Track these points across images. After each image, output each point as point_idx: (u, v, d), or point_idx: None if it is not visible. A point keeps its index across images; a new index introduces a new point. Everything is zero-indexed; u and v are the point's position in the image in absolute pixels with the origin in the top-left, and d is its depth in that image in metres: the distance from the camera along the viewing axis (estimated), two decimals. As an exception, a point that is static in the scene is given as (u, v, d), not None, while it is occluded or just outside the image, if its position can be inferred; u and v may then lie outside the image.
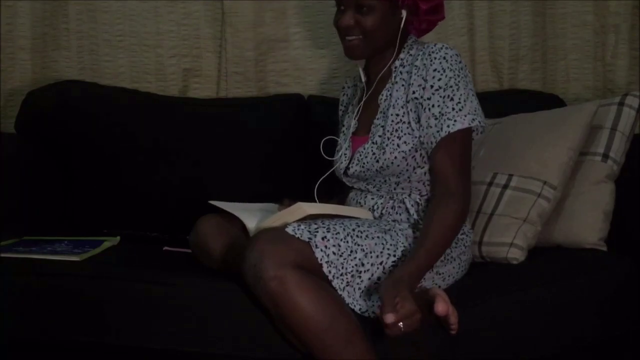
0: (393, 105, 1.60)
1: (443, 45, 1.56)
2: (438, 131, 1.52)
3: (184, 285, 1.49)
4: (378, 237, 1.46)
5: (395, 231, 1.50)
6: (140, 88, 2.35)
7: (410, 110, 1.57)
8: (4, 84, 2.35)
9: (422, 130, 1.55)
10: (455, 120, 1.51)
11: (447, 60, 1.54)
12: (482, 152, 1.83)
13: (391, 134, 1.57)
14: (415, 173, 1.58)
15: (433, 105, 1.53)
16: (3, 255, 1.62)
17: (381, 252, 1.45)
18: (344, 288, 1.39)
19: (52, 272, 1.53)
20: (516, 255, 1.67)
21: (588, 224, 1.74)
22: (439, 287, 1.53)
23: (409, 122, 1.57)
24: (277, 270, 1.30)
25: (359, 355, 1.33)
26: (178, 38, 2.35)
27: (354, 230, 1.44)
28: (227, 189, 2.06)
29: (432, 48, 1.56)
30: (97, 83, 2.31)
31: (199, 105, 2.27)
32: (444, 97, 1.52)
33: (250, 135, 2.17)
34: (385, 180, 1.61)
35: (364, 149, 1.62)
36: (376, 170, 1.59)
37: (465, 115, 1.52)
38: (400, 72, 1.62)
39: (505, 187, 1.76)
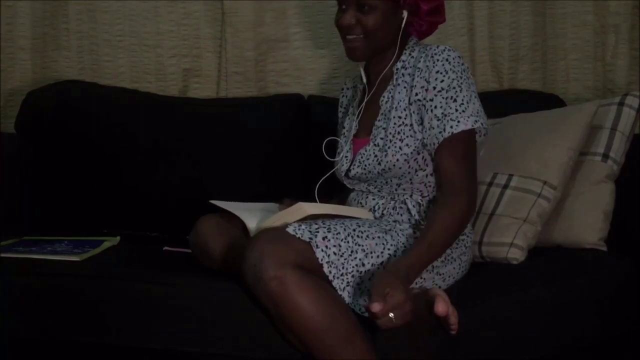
0: (395, 108, 1.60)
1: (446, 47, 1.56)
2: (441, 132, 1.52)
3: (184, 285, 1.49)
4: (379, 237, 1.46)
5: (396, 231, 1.50)
6: (140, 88, 2.35)
7: (413, 112, 1.57)
8: (4, 84, 2.35)
9: (425, 131, 1.55)
10: (458, 121, 1.51)
11: (449, 62, 1.54)
12: (482, 152, 1.83)
13: (393, 137, 1.57)
14: (417, 175, 1.58)
15: (435, 107, 1.53)
16: (3, 255, 1.62)
17: (382, 253, 1.45)
18: (344, 288, 1.39)
19: (52, 272, 1.53)
20: (516, 255, 1.67)
21: (588, 224, 1.74)
22: (439, 287, 1.53)
23: (411, 125, 1.57)
24: (277, 270, 1.30)
25: (359, 355, 1.33)
26: (178, 38, 2.35)
27: (354, 230, 1.44)
28: (227, 189, 2.06)
29: (434, 50, 1.56)
30: (97, 83, 2.31)
31: (199, 105, 2.27)
32: (447, 98, 1.52)
33: (250, 135, 2.17)
34: (386, 182, 1.61)
35: (366, 150, 1.62)
36: (378, 172, 1.59)
37: (469, 117, 1.52)
38: (402, 74, 1.62)
39: (505, 187, 1.76)
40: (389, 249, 1.46)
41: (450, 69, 1.54)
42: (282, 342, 1.42)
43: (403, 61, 1.63)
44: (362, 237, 1.44)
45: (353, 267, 1.40)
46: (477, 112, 1.54)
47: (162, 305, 1.47)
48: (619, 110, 1.81)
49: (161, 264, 1.71)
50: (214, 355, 1.46)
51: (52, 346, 1.51)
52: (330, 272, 1.38)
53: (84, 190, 2.15)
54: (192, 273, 1.57)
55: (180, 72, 2.37)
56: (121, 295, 1.48)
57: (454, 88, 1.53)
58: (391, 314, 1.26)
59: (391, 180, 1.60)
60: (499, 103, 2.05)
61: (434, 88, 1.54)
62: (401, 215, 1.59)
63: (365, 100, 1.69)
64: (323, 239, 1.39)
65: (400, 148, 1.56)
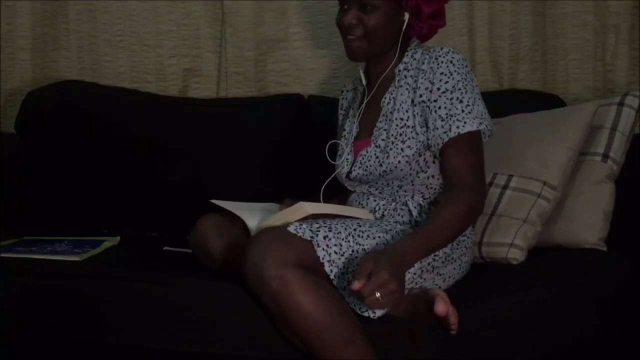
0: (397, 110, 1.60)
1: (449, 49, 1.56)
2: (446, 132, 1.52)
3: (184, 285, 1.49)
4: (379, 237, 1.46)
5: (396, 232, 1.50)
6: (140, 88, 2.35)
7: (417, 114, 1.57)
8: (4, 84, 2.35)
9: (429, 132, 1.55)
10: (465, 122, 1.51)
11: (454, 64, 1.54)
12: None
13: (395, 138, 1.57)
14: (419, 177, 1.58)
15: (439, 107, 1.53)
16: (3, 255, 1.62)
17: (382, 252, 1.45)
18: (345, 288, 1.39)
19: (52, 272, 1.53)
20: (516, 255, 1.67)
21: (588, 224, 1.74)
22: (439, 287, 1.53)
23: (413, 126, 1.57)
24: (279, 269, 1.30)
25: (359, 354, 1.33)
26: (178, 38, 2.35)
27: (355, 230, 1.44)
28: (227, 189, 2.06)
29: (438, 52, 1.57)
30: (97, 83, 2.31)
31: (199, 105, 2.27)
32: (452, 99, 1.52)
33: (250, 135, 2.17)
34: (387, 184, 1.61)
35: (367, 152, 1.62)
36: (379, 174, 1.59)
37: (474, 118, 1.52)
38: (405, 76, 1.62)
39: (505, 187, 1.76)
40: (389, 249, 1.46)
41: (455, 71, 1.54)
42: (282, 342, 1.42)
43: (405, 63, 1.63)
44: (362, 236, 1.44)
45: (354, 266, 1.40)
46: (482, 114, 1.54)
47: (162, 305, 1.47)
48: (619, 110, 1.81)
49: (161, 264, 1.71)
50: (214, 355, 1.46)
51: (52, 346, 1.51)
52: (331, 271, 1.38)
53: (84, 190, 2.15)
54: (192, 273, 1.57)
55: (180, 72, 2.37)
56: (121, 295, 1.48)
57: (459, 89, 1.53)
58: (377, 294, 1.26)
59: (392, 182, 1.60)
60: (499, 103, 2.05)
61: (438, 89, 1.54)
62: (402, 216, 1.59)
63: (365, 101, 1.69)
64: (324, 238, 1.39)
65: (402, 150, 1.56)
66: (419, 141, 1.56)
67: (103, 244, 1.81)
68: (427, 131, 1.56)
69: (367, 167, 1.61)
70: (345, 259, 1.40)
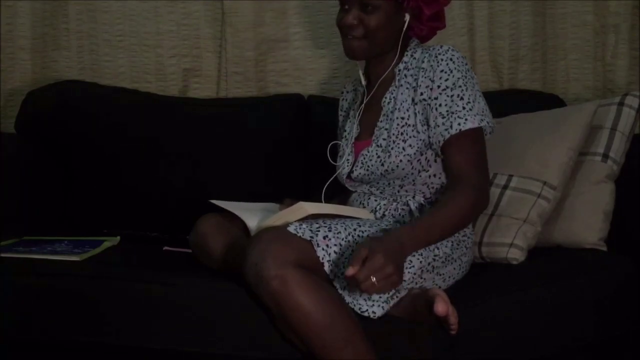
0: (398, 109, 1.60)
1: (449, 47, 1.57)
2: (447, 129, 1.52)
3: (184, 285, 1.49)
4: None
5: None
6: (140, 88, 2.35)
7: (418, 112, 1.57)
8: (4, 84, 2.35)
9: (430, 130, 1.55)
10: (466, 119, 1.51)
11: (454, 62, 1.54)
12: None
13: (397, 137, 1.57)
14: (420, 176, 1.58)
15: (440, 105, 1.53)
16: (3, 255, 1.62)
17: (382, 252, 1.44)
18: (344, 287, 1.39)
19: (52, 272, 1.53)
20: (516, 255, 1.67)
21: (588, 224, 1.74)
22: (439, 287, 1.53)
23: (414, 125, 1.57)
24: (279, 269, 1.30)
25: (359, 354, 1.33)
26: (178, 38, 2.35)
27: (355, 230, 1.44)
28: (227, 188, 2.06)
29: (438, 50, 1.57)
30: (97, 83, 2.31)
31: (199, 105, 2.27)
32: (452, 96, 1.52)
33: (250, 135, 2.17)
34: (389, 183, 1.61)
35: (368, 152, 1.62)
36: (381, 173, 1.59)
37: (475, 115, 1.52)
38: (405, 75, 1.62)
39: (505, 187, 1.76)
40: (389, 249, 1.45)
41: (455, 68, 1.54)
42: (282, 342, 1.42)
43: (405, 62, 1.63)
44: (362, 236, 1.44)
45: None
46: (483, 111, 1.54)
47: (162, 305, 1.47)
48: (618, 110, 1.81)
49: (161, 264, 1.71)
50: (214, 355, 1.46)
51: (52, 346, 1.51)
52: (331, 271, 1.38)
53: (84, 190, 2.15)
54: (192, 273, 1.57)
55: (180, 72, 2.37)
56: (121, 295, 1.48)
57: (460, 87, 1.53)
58: (373, 278, 1.26)
59: (394, 182, 1.60)
60: (499, 103, 2.05)
61: (439, 87, 1.54)
62: (403, 216, 1.59)
63: (365, 101, 1.69)
64: (324, 238, 1.39)
65: (403, 149, 1.56)
66: (420, 140, 1.56)
67: (103, 244, 1.81)
68: (428, 129, 1.56)
69: (368, 166, 1.61)
70: (345, 259, 1.39)
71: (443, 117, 1.52)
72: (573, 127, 1.77)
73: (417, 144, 1.56)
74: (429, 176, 1.59)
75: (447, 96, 1.53)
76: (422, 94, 1.57)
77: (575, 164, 1.77)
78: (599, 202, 1.76)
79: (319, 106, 2.23)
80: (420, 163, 1.57)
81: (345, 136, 1.75)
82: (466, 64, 1.56)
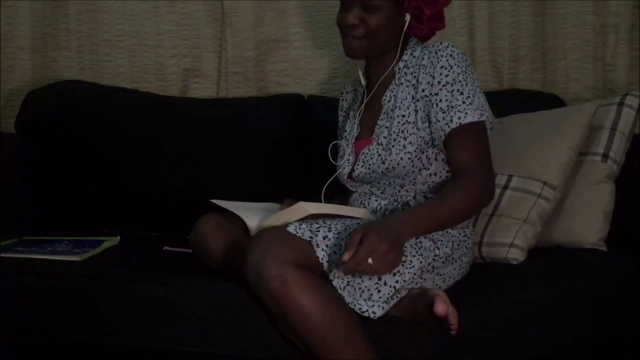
0: (399, 107, 1.60)
1: (449, 44, 1.57)
2: (447, 123, 1.52)
3: (184, 285, 1.49)
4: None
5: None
6: (140, 88, 2.35)
7: (420, 109, 1.57)
8: (4, 84, 2.35)
9: (432, 126, 1.55)
10: (466, 113, 1.51)
11: (453, 58, 1.55)
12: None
13: (397, 135, 1.57)
14: (421, 175, 1.58)
15: (440, 100, 1.53)
16: (3, 255, 1.62)
17: (382, 252, 1.44)
18: (344, 287, 1.39)
19: (52, 272, 1.53)
20: (516, 255, 1.67)
21: (588, 224, 1.74)
22: (439, 287, 1.53)
23: (415, 122, 1.57)
24: (279, 269, 1.30)
25: (359, 354, 1.33)
26: (178, 38, 2.35)
27: (355, 230, 1.44)
28: (227, 188, 2.06)
29: (438, 46, 1.57)
30: (97, 83, 2.31)
31: (199, 105, 2.27)
32: (452, 91, 1.53)
33: (250, 135, 2.17)
34: (389, 183, 1.61)
35: (369, 150, 1.62)
36: (382, 171, 1.59)
37: (475, 109, 1.52)
38: (405, 73, 1.62)
39: (505, 187, 1.76)
40: (389, 249, 1.45)
41: (455, 64, 1.54)
42: (282, 342, 1.42)
43: (405, 61, 1.64)
44: (362, 236, 1.44)
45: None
46: (483, 106, 1.55)
47: (162, 305, 1.47)
48: (619, 110, 1.81)
49: (161, 264, 1.71)
50: (214, 355, 1.46)
51: (52, 346, 1.51)
52: (330, 271, 1.38)
53: (84, 190, 2.15)
54: (192, 273, 1.57)
55: (180, 72, 2.37)
56: (121, 295, 1.48)
57: (460, 82, 1.53)
58: (370, 260, 1.25)
59: (394, 181, 1.60)
60: (499, 103, 2.05)
61: (439, 82, 1.54)
62: (403, 216, 1.59)
63: (365, 101, 1.69)
64: (324, 238, 1.39)
65: (404, 146, 1.56)
66: (420, 137, 1.56)
67: (103, 244, 1.81)
68: (429, 126, 1.56)
69: (369, 165, 1.61)
70: (340, 252, 1.39)
71: (443, 112, 1.53)
72: (573, 127, 1.77)
73: (418, 141, 1.56)
74: (430, 175, 1.59)
75: (448, 91, 1.53)
76: (423, 90, 1.57)
77: (575, 164, 1.77)
78: (599, 202, 1.76)
79: (319, 106, 2.23)
80: (421, 161, 1.57)
81: (346, 136, 1.75)
82: (466, 60, 1.57)
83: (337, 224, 1.44)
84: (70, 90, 2.24)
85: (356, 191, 1.70)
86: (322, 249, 1.37)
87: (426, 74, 1.57)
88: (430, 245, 1.51)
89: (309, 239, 1.37)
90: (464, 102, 1.52)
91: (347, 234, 1.42)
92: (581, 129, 1.77)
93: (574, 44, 2.29)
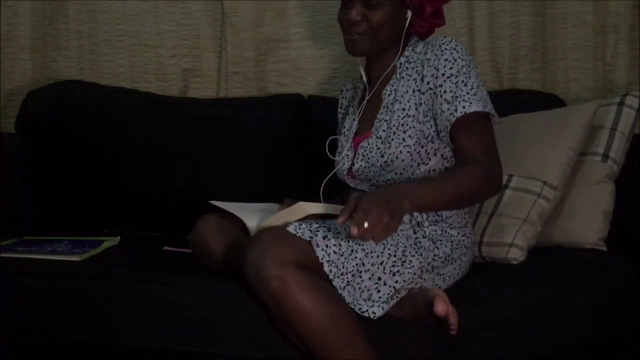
0: (399, 100, 1.60)
1: (452, 39, 1.58)
2: (452, 113, 1.52)
3: (184, 285, 1.49)
4: (378, 236, 1.46)
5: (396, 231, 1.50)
6: (140, 88, 2.35)
7: (423, 102, 1.57)
8: (4, 84, 2.36)
9: (438, 117, 1.55)
10: (471, 103, 1.51)
11: (457, 51, 1.56)
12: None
13: (397, 129, 1.58)
14: (420, 169, 1.58)
15: (445, 91, 1.54)
16: (3, 255, 1.62)
17: (382, 252, 1.44)
18: (344, 287, 1.39)
19: (52, 272, 1.53)
20: (516, 255, 1.67)
21: (588, 224, 1.74)
22: (439, 287, 1.53)
23: (415, 116, 1.57)
24: (278, 269, 1.30)
25: (359, 354, 1.33)
26: (178, 38, 2.36)
27: (354, 230, 1.44)
28: (227, 189, 2.06)
29: (442, 40, 1.58)
30: (97, 83, 2.31)
31: (199, 106, 2.27)
32: (457, 82, 1.53)
33: (250, 135, 2.17)
34: (388, 180, 1.61)
35: (368, 143, 1.62)
36: (380, 165, 1.59)
37: (479, 100, 1.52)
38: (406, 68, 1.63)
39: (505, 187, 1.76)
40: (389, 249, 1.45)
41: (459, 57, 1.55)
42: (282, 342, 1.42)
43: (406, 56, 1.64)
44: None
45: (353, 266, 1.40)
46: (486, 100, 1.55)
47: (162, 305, 1.47)
48: (619, 110, 1.81)
49: (161, 264, 1.71)
50: (214, 355, 1.46)
51: (52, 346, 1.51)
52: (330, 271, 1.38)
53: (84, 190, 2.15)
54: (192, 273, 1.57)
55: (180, 72, 2.37)
56: (121, 295, 1.48)
57: (464, 74, 1.54)
58: (366, 224, 1.25)
59: (393, 177, 1.60)
60: (499, 103, 2.04)
61: (443, 74, 1.55)
62: (402, 215, 1.58)
63: (368, 97, 1.69)
64: (323, 238, 1.39)
65: (403, 139, 1.56)
66: (420, 131, 1.56)
67: (103, 244, 1.81)
68: (433, 119, 1.56)
69: (368, 159, 1.61)
70: (345, 259, 1.39)
71: (448, 103, 1.53)
72: (573, 127, 1.77)
73: (417, 135, 1.56)
74: (428, 170, 1.58)
75: (452, 83, 1.53)
76: (428, 83, 1.57)
77: (575, 164, 1.77)
78: (599, 202, 1.76)
79: (319, 106, 2.23)
80: (420, 155, 1.57)
81: (345, 132, 1.75)
82: (469, 56, 1.58)
83: (336, 223, 1.44)
84: (70, 90, 2.24)
85: (355, 188, 1.70)
86: (322, 249, 1.37)
87: (430, 66, 1.57)
88: (430, 245, 1.51)
89: (308, 239, 1.37)
90: (468, 93, 1.52)
91: (347, 234, 1.42)
92: (581, 129, 1.77)
93: (574, 44, 2.29)
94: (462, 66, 1.54)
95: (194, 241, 1.66)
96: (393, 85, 1.63)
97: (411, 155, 1.56)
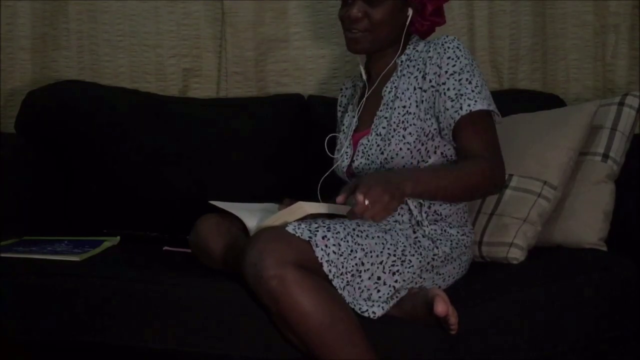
0: (400, 97, 1.60)
1: (454, 37, 1.59)
2: (457, 111, 1.52)
3: (184, 285, 1.49)
4: (378, 236, 1.46)
5: (395, 231, 1.50)
6: (140, 88, 2.35)
7: (425, 100, 1.57)
8: (4, 84, 2.36)
9: (441, 115, 1.55)
10: (476, 101, 1.52)
11: (460, 50, 1.56)
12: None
13: (397, 126, 1.58)
14: (419, 167, 1.58)
15: (448, 89, 1.54)
16: (3, 255, 1.62)
17: (381, 252, 1.44)
18: (344, 287, 1.39)
19: (52, 272, 1.53)
20: (516, 255, 1.67)
21: (588, 224, 1.74)
22: (439, 287, 1.53)
23: (415, 113, 1.57)
24: (278, 269, 1.30)
25: (359, 354, 1.33)
26: (178, 38, 2.36)
27: (354, 229, 1.44)
28: (227, 189, 2.06)
29: (444, 39, 1.59)
30: (97, 83, 2.31)
31: (199, 105, 2.27)
32: (460, 80, 1.53)
33: (250, 135, 2.17)
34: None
35: (368, 141, 1.62)
36: (380, 162, 1.59)
37: (484, 99, 1.53)
38: (407, 65, 1.63)
39: (506, 187, 1.76)
40: (388, 249, 1.45)
41: (462, 55, 1.55)
42: (282, 342, 1.42)
43: (407, 54, 1.64)
44: (361, 236, 1.44)
45: (352, 266, 1.40)
46: (489, 98, 1.55)
47: (162, 305, 1.47)
48: (619, 110, 1.81)
49: (161, 264, 1.71)
50: (214, 356, 1.45)
51: (52, 346, 1.51)
52: (329, 271, 1.38)
53: (84, 190, 2.15)
54: (192, 273, 1.57)
55: (180, 72, 2.37)
56: (121, 295, 1.48)
57: (468, 72, 1.54)
58: (366, 201, 1.27)
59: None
60: (499, 103, 2.05)
61: (446, 72, 1.55)
62: (402, 215, 1.58)
63: (367, 94, 1.69)
64: (323, 238, 1.38)
65: (403, 137, 1.56)
66: (420, 128, 1.56)
67: (103, 244, 1.81)
68: (435, 117, 1.56)
69: (368, 156, 1.61)
70: (344, 258, 1.39)
71: (452, 100, 1.53)
72: (573, 127, 1.77)
73: (417, 132, 1.56)
74: None
75: (456, 80, 1.53)
76: (430, 81, 1.57)
77: (575, 164, 1.77)
78: (599, 202, 1.76)
79: (319, 106, 2.23)
80: (420, 153, 1.57)
81: (344, 130, 1.75)
82: (471, 55, 1.58)
83: (336, 223, 1.44)
84: (70, 90, 2.24)
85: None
86: (321, 249, 1.37)
87: (433, 64, 1.57)
88: (429, 244, 1.51)
89: (308, 238, 1.37)
90: (472, 91, 1.52)
91: (346, 234, 1.42)
92: (581, 129, 1.77)
93: (574, 44, 2.29)
94: (466, 64, 1.55)
95: (194, 241, 1.66)
96: (394, 83, 1.63)
97: (411, 152, 1.56)
